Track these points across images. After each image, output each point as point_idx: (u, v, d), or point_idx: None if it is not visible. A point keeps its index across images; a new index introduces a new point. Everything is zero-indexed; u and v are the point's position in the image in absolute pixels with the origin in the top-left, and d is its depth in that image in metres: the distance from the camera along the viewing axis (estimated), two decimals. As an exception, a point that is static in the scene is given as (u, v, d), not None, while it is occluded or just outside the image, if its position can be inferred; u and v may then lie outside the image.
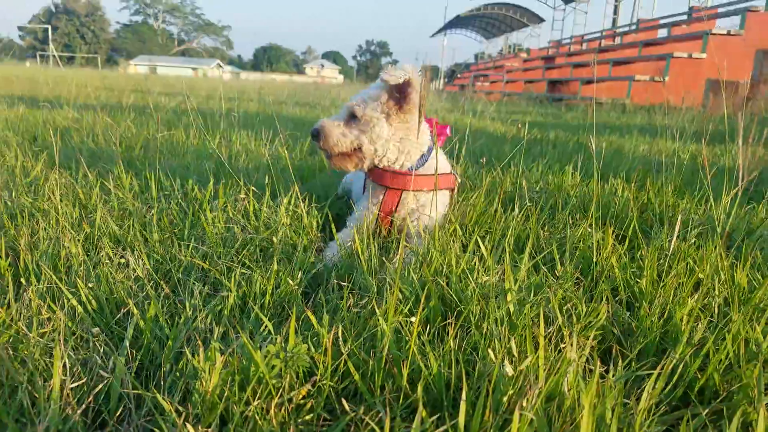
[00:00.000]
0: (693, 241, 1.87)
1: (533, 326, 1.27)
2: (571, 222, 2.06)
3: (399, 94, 2.02)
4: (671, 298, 1.42)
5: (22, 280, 1.49)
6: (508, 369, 0.98)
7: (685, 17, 18.34)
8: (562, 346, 1.15)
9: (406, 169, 2.08)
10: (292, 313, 1.20)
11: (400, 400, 1.04)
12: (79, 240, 1.77)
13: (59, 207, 2.01)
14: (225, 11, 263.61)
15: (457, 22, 43.88)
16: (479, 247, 1.65)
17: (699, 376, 1.19)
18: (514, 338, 1.18)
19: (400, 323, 1.20)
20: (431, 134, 2.17)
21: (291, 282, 1.45)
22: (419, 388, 1.00)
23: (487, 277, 1.44)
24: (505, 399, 0.97)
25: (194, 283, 1.46)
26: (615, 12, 26.46)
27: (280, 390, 0.99)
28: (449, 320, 1.33)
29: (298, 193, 2.11)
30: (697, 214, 2.25)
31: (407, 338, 1.13)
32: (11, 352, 1.11)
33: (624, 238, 2.05)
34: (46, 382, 1.01)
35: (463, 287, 1.42)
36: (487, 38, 47.53)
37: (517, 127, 6.56)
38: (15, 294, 1.39)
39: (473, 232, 2.06)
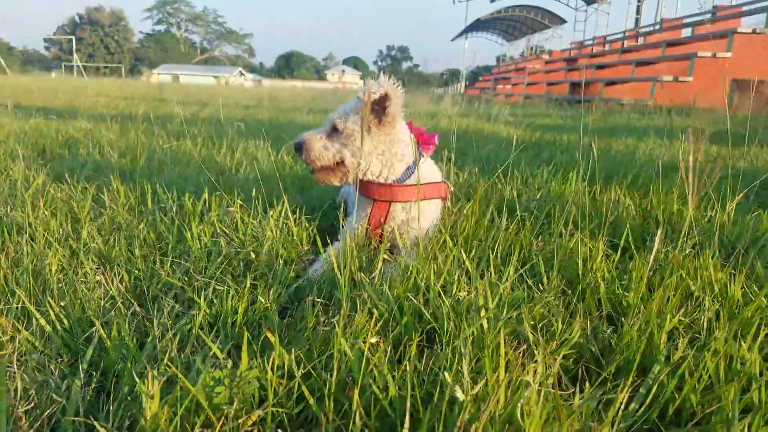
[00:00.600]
0: (688, 251, 1.79)
1: (506, 345, 1.22)
2: (566, 231, 2.00)
3: (378, 107, 1.99)
4: (654, 313, 1.36)
5: (-1, 297, 1.49)
6: (459, 393, 0.94)
7: (709, 16, 18.00)
8: (532, 365, 1.11)
9: (391, 182, 2.05)
10: (259, 333, 1.17)
11: (356, 426, 1.01)
12: (64, 256, 1.77)
13: (50, 222, 2.02)
14: (247, 19, 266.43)
15: (478, 26, 43.73)
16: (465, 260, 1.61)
17: (676, 396, 1.13)
18: (483, 358, 1.13)
19: (367, 343, 1.16)
20: (416, 144, 2.13)
21: (262, 300, 1.42)
22: (373, 414, 0.96)
23: (464, 293, 1.40)
24: (458, 423, 0.92)
25: (168, 301, 1.45)
26: (638, 12, 26.06)
27: (222, 418, 0.96)
28: (421, 338, 1.29)
29: (287, 205, 2.09)
30: (699, 221, 2.18)
31: (372, 359, 1.10)
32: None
33: (624, 248, 1.99)
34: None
35: (440, 303, 1.37)
36: (508, 41, 47.31)
37: (530, 131, 6.48)
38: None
39: (465, 243, 2.03)
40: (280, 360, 1.11)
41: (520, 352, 1.20)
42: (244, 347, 1.03)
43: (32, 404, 1.03)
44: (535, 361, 1.13)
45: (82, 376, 1.11)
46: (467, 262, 1.63)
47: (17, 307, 1.41)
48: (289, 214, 2.07)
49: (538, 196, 2.63)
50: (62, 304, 1.39)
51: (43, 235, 1.91)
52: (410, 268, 1.55)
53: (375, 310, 1.39)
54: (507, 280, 1.53)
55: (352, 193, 2.52)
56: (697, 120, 8.76)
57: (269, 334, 1.10)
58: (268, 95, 16.33)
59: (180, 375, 0.94)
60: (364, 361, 1.08)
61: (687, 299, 1.57)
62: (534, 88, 25.11)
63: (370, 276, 1.66)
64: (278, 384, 1.06)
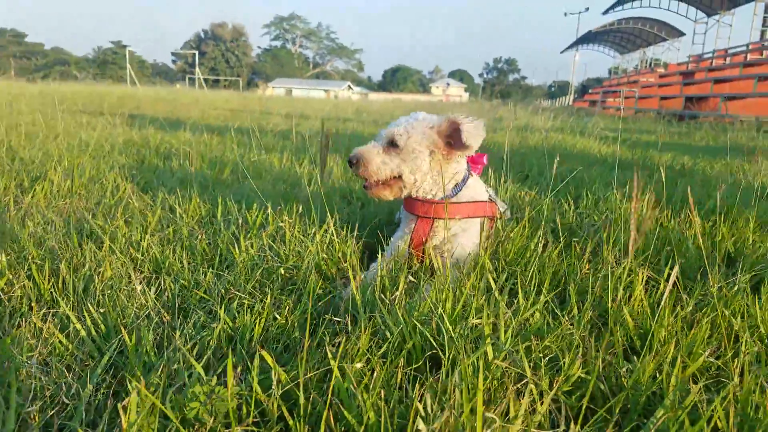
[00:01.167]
0: (743, 287, 1.66)
1: (507, 378, 1.19)
2: (611, 258, 1.90)
3: (454, 139, 1.99)
4: (670, 352, 1.27)
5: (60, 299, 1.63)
6: (421, 426, 0.93)
7: None
8: (519, 402, 1.07)
9: (439, 198, 2.04)
10: (275, 348, 1.21)
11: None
12: (122, 264, 1.92)
13: (118, 231, 2.19)
14: (358, 35, 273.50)
15: (589, 38, 42.42)
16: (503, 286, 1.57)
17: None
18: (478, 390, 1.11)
19: (353, 367, 1.17)
20: (467, 164, 2.12)
21: (277, 316, 1.47)
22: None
23: (477, 320, 1.38)
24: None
25: (199, 312, 1.53)
26: (764, 24, 24.15)
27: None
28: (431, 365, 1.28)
29: (332, 221, 2.14)
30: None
31: (353, 384, 1.11)
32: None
33: (684, 279, 1.87)
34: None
35: (447, 330, 1.36)
36: (621, 53, 45.39)
37: (625, 149, 6.19)
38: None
39: (508, 266, 1.98)
40: (277, 379, 1.15)
41: (516, 387, 1.16)
42: (229, 363, 1.08)
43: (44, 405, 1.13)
44: (522, 397, 1.09)
45: (96, 381, 1.20)
46: (494, 288, 1.60)
47: (64, 312, 1.55)
48: (332, 229, 2.10)
49: (601, 220, 2.51)
50: (101, 310, 1.51)
51: (109, 243, 2.07)
52: (431, 292, 1.54)
53: (388, 334, 1.40)
54: (527, 309, 1.48)
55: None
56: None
57: (264, 353, 1.14)
58: (374, 108, 16.67)
59: (143, 389, 1.00)
60: (346, 385, 1.09)
61: (730, 339, 1.45)
62: (647, 102, 23.94)
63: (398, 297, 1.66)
64: (268, 403, 1.09)
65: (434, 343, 1.33)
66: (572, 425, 1.03)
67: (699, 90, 20.09)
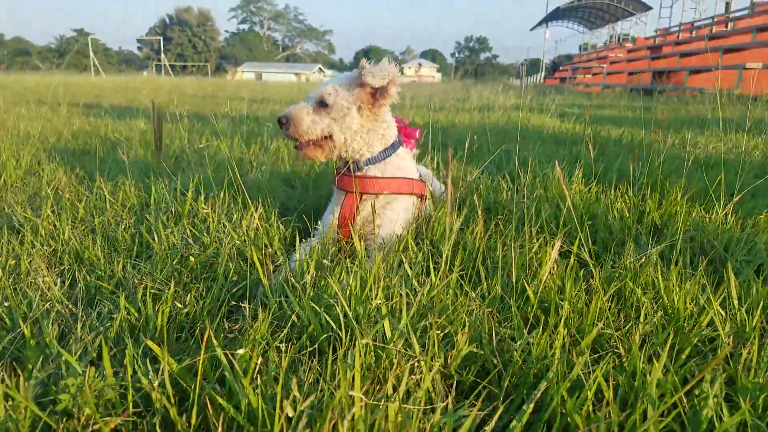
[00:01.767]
0: (654, 259, 1.68)
1: (400, 357, 1.20)
2: (530, 234, 1.91)
3: (374, 89, 1.99)
4: (560, 325, 1.28)
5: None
6: (289, 411, 0.93)
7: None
8: (395, 381, 1.07)
9: (365, 160, 2.05)
10: (179, 338, 1.19)
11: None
12: (42, 256, 1.88)
13: (39, 223, 2.14)
14: (327, 16, 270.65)
15: (558, 14, 42.40)
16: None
17: (564, 413, 1.07)
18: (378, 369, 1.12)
19: (237, 355, 1.16)
20: (399, 135, 2.13)
21: (179, 305, 1.45)
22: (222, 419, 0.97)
23: (377, 301, 1.38)
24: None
25: (105, 303, 1.51)
26: (728, -5, 24.42)
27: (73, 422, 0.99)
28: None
29: (261, 206, 2.12)
30: (689, 225, 2.03)
31: (237, 370, 1.10)
32: None
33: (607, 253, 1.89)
34: None
35: (343, 312, 1.36)
36: (590, 29, 45.56)
37: (580, 125, 6.23)
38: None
39: (432, 245, 1.99)
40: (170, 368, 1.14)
41: (411, 365, 1.17)
42: (105, 355, 1.06)
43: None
44: (401, 376, 1.10)
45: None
46: (405, 267, 1.60)
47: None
48: (257, 214, 2.08)
49: (531, 197, 2.52)
50: (6, 304, 1.48)
51: (27, 235, 2.03)
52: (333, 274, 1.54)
53: (295, 318, 1.40)
54: (436, 287, 1.49)
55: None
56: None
57: (149, 342, 1.13)
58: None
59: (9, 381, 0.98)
60: (226, 374, 1.08)
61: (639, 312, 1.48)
62: (615, 78, 24.10)
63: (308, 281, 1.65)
64: (159, 393, 1.08)
65: (333, 326, 1.33)
66: (463, 401, 1.04)
67: (666, 64, 20.26)
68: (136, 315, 1.45)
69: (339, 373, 1.09)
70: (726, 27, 20.76)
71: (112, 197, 2.59)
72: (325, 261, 1.71)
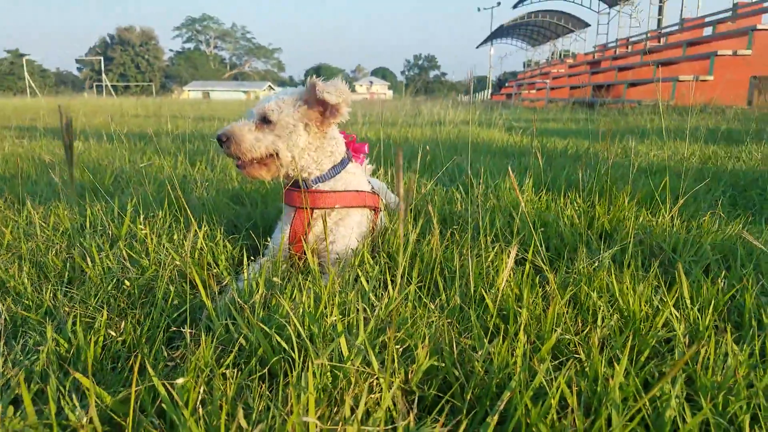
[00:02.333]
0: (606, 263, 1.68)
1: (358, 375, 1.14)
2: (485, 244, 1.89)
3: (324, 107, 1.92)
4: (519, 333, 1.25)
5: None
6: None
7: (729, 14, 17.54)
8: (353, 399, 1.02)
9: (313, 178, 1.98)
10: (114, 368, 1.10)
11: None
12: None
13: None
14: (275, 34, 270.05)
15: (502, 32, 43.42)
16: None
17: (528, 423, 1.04)
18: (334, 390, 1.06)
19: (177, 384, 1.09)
20: (347, 150, 2.07)
21: (113, 333, 1.36)
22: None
23: (333, 318, 1.32)
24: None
25: (32, 334, 1.40)
26: (660, 13, 25.57)
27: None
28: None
29: (203, 225, 2.03)
30: (639, 229, 2.06)
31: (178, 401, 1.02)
32: None
33: (560, 260, 1.88)
34: None
35: (295, 332, 1.29)
36: (533, 46, 46.84)
37: (528, 137, 6.34)
38: None
39: (389, 259, 1.95)
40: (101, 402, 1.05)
41: (369, 384, 1.11)
42: (24, 393, 0.97)
43: None
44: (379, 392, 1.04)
45: None
46: (363, 281, 1.55)
47: None
48: (201, 234, 1.99)
49: (485, 207, 2.52)
50: None
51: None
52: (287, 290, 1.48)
53: (244, 341, 1.32)
54: (394, 300, 1.44)
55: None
56: (709, 119, 8.49)
57: (77, 375, 1.03)
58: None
59: None
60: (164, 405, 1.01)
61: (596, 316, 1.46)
62: (558, 93, 24.80)
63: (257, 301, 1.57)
64: (89, 430, 0.99)
65: (286, 347, 1.26)
66: (426, 417, 0.99)
67: (605, 78, 20.96)
68: (66, 346, 1.34)
69: (291, 398, 1.03)
70: (659, 41, 21.67)
71: (43, 221, 2.45)
72: (275, 279, 1.63)
